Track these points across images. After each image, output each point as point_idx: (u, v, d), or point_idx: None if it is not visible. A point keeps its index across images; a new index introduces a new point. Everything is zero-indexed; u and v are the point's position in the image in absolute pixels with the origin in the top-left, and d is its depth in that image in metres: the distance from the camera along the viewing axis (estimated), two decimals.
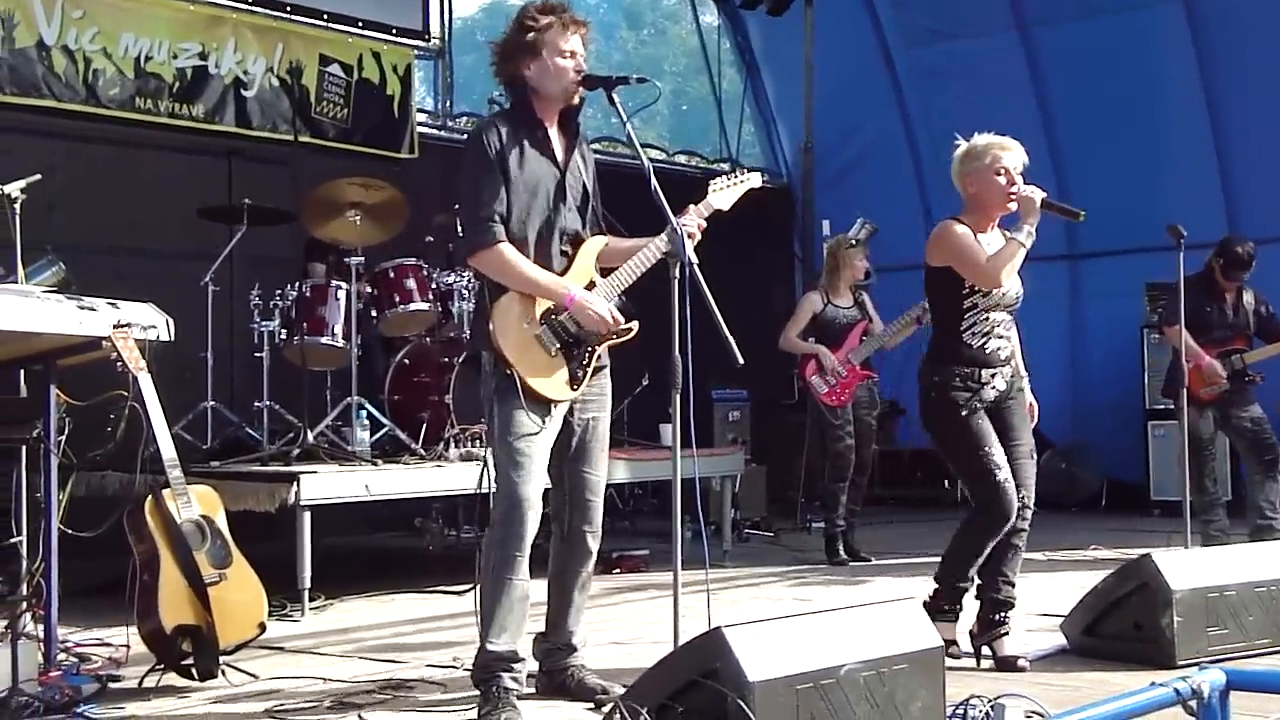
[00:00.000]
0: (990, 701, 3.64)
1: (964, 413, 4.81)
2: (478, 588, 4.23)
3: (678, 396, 3.89)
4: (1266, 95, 10.66)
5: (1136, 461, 10.95)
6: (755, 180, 4.55)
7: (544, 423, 4.18)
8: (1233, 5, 10.72)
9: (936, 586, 4.99)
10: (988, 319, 4.89)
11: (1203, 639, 4.72)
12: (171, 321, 4.69)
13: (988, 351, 4.88)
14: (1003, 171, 4.84)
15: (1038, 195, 4.82)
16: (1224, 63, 10.90)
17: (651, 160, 4.17)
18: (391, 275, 7.42)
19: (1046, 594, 6.37)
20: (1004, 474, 4.78)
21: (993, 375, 4.88)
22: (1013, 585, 4.92)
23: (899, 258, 10.75)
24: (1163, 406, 10.33)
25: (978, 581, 4.94)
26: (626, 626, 5.79)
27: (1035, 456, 5.00)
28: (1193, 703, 2.69)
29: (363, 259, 7.22)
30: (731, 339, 3.86)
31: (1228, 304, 7.72)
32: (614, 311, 4.24)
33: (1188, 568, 4.86)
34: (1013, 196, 4.84)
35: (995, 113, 11.68)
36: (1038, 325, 12.06)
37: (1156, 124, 11.18)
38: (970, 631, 4.96)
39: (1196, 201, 10.53)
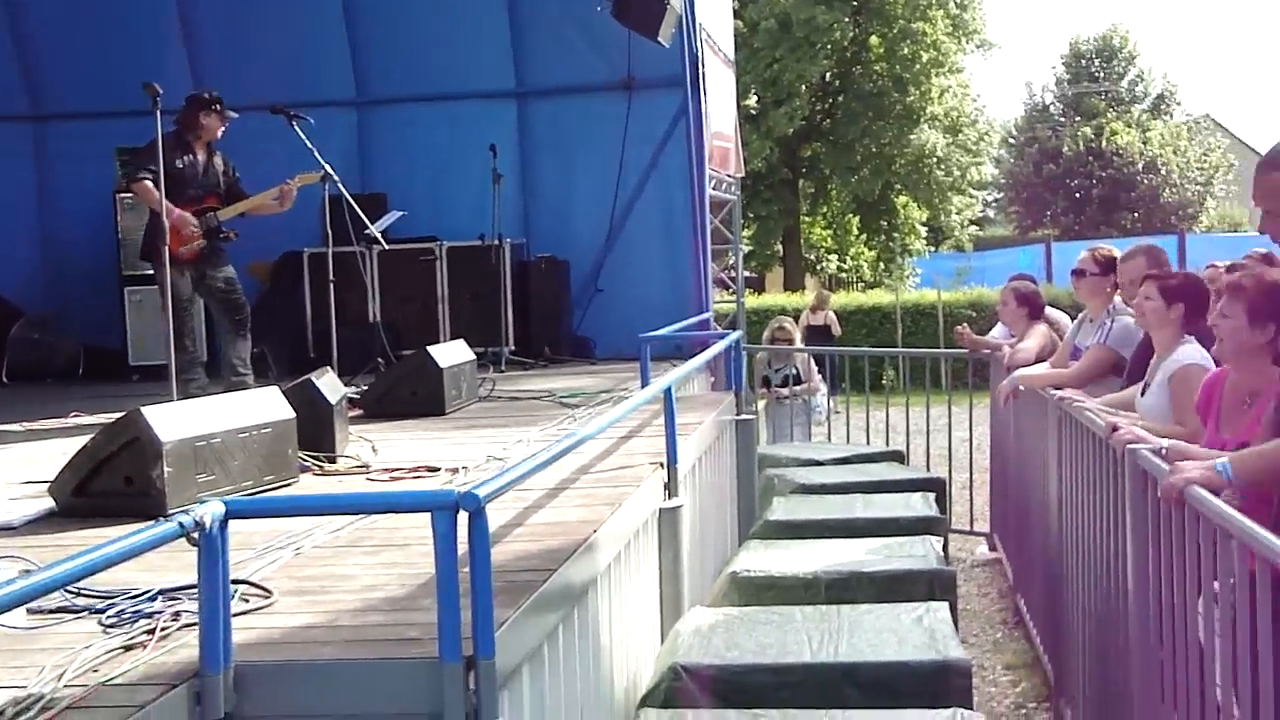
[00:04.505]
0: None
1: None
2: None
3: None
4: None
5: (114, 328, 10.90)
6: None
7: None
8: None
9: None
10: None
11: (193, 486, 4.86)
12: None
13: None
14: None
15: None
16: None
17: None
18: None
19: (29, 462, 6.18)
20: None
21: None
22: None
23: None
24: (138, 273, 10.34)
25: None
26: None
27: None
28: (195, 535, 2.75)
29: None
30: None
31: (199, 162, 7.85)
32: None
33: (175, 420, 4.94)
34: None
35: None
36: (1, 190, 11.55)
37: None
38: None
39: (162, 64, 10.59)
